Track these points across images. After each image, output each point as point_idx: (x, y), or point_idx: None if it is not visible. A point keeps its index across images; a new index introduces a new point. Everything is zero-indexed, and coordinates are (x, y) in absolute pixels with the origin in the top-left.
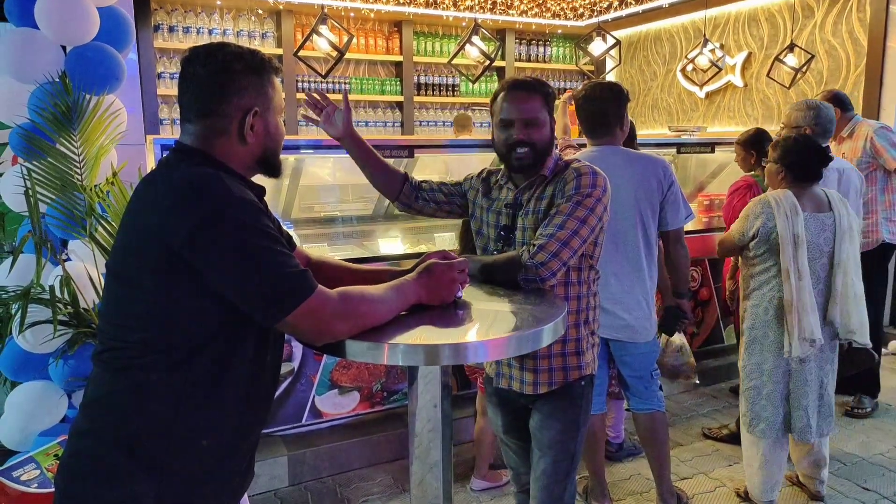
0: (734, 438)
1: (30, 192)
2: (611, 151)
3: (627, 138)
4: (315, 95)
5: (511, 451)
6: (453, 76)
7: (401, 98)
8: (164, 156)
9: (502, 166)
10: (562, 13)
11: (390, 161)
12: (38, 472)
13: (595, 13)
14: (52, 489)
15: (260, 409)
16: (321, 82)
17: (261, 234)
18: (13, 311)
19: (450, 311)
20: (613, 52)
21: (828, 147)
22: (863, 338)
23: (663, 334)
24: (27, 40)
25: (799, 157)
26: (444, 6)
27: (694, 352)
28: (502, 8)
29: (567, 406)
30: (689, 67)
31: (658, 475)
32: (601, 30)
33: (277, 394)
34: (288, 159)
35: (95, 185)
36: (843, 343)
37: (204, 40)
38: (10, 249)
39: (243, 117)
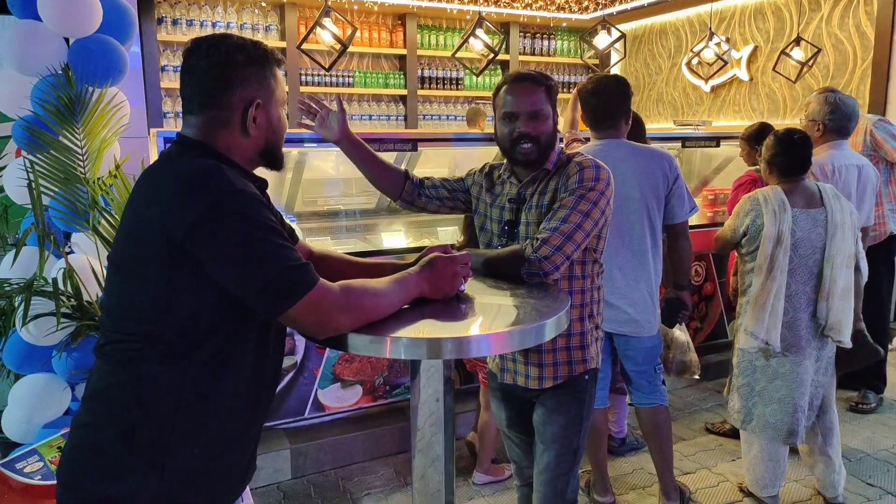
0: (737, 433)
1: (33, 184)
2: (616, 144)
3: (636, 132)
4: (307, 101)
5: (514, 446)
6: (457, 70)
7: (404, 91)
8: (166, 148)
9: (505, 160)
10: (566, 6)
11: (394, 154)
12: (41, 464)
13: (600, 6)
14: (55, 481)
15: (262, 402)
16: (325, 75)
17: (262, 226)
18: (16, 304)
19: (452, 305)
20: (618, 45)
21: (842, 141)
22: (839, 335)
23: (664, 326)
24: (30, 32)
25: (780, 152)
26: None
27: (697, 346)
28: (507, 1)
29: (571, 400)
30: (695, 61)
31: (661, 470)
32: (606, 23)
33: (280, 387)
34: (291, 152)
35: (98, 178)
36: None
37: (207, 33)
38: (13, 242)
39: (245, 109)
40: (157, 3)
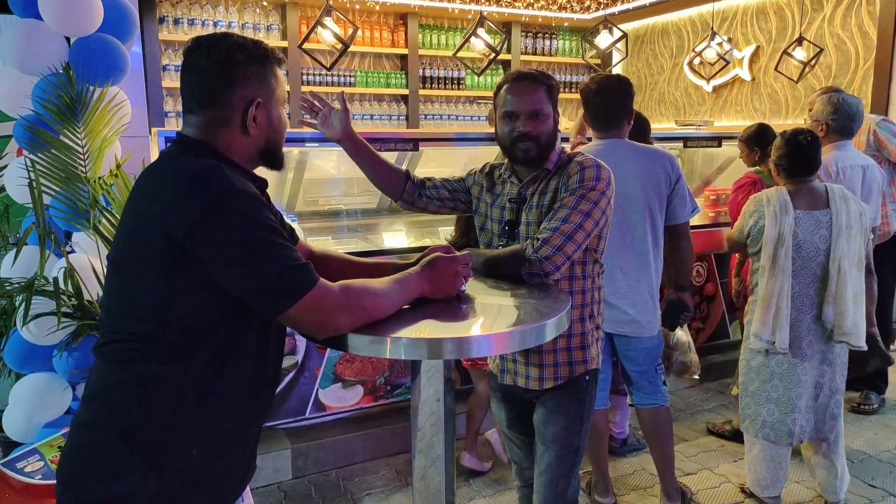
0: (737, 435)
1: (34, 183)
2: (618, 144)
3: (642, 132)
4: (310, 98)
5: (515, 446)
6: (459, 69)
7: (406, 91)
8: (166, 147)
9: (506, 160)
10: (568, 6)
11: (395, 154)
12: (42, 463)
13: (602, 6)
14: (56, 481)
15: (262, 402)
16: (326, 75)
17: (262, 226)
18: (17, 303)
19: (453, 305)
20: (620, 45)
21: (846, 142)
22: (856, 340)
23: (665, 328)
24: (31, 31)
25: (787, 153)
26: None
27: (699, 347)
28: (508, 0)
29: (571, 401)
30: (697, 61)
31: (662, 470)
32: (608, 22)
33: (281, 387)
34: (292, 152)
35: (99, 177)
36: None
37: (209, 32)
38: (14, 241)
39: (246, 108)
40: (158, 3)
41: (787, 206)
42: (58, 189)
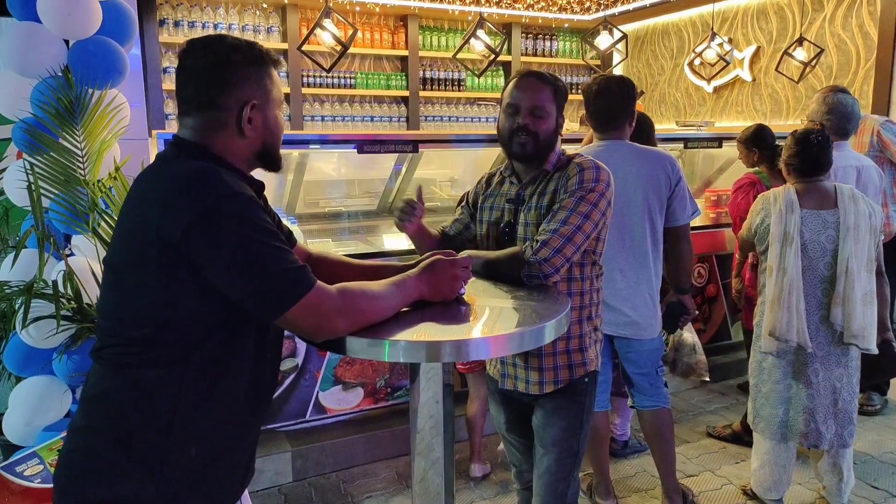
0: (738, 438)
1: (33, 186)
2: (618, 146)
3: (645, 133)
4: (415, 203)
5: (514, 449)
6: (459, 71)
7: (406, 93)
8: (162, 149)
9: (502, 166)
10: (568, 7)
11: (395, 156)
12: (41, 467)
13: (602, 7)
14: None
15: (259, 405)
16: (326, 77)
17: (259, 229)
18: (17, 307)
19: (452, 308)
20: (620, 45)
21: (842, 142)
22: (865, 342)
23: (666, 331)
24: (29, 34)
25: (796, 152)
26: (450, 0)
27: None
28: (508, 2)
29: (570, 403)
30: (697, 62)
31: (663, 472)
32: (608, 23)
33: (281, 389)
34: (292, 154)
35: (98, 180)
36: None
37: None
38: (13, 244)
39: (241, 110)
40: (159, 5)
41: (793, 204)
42: (57, 192)
